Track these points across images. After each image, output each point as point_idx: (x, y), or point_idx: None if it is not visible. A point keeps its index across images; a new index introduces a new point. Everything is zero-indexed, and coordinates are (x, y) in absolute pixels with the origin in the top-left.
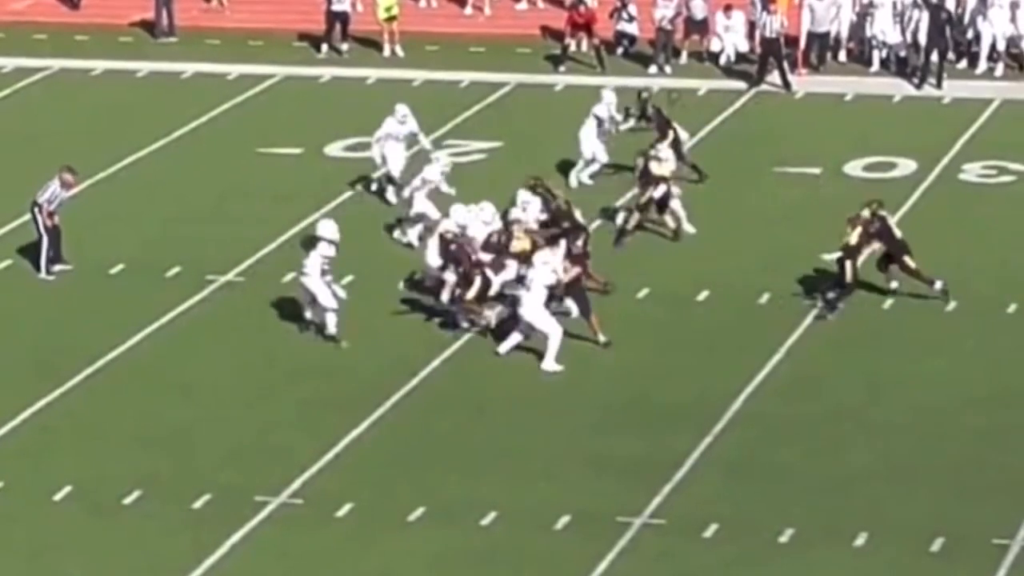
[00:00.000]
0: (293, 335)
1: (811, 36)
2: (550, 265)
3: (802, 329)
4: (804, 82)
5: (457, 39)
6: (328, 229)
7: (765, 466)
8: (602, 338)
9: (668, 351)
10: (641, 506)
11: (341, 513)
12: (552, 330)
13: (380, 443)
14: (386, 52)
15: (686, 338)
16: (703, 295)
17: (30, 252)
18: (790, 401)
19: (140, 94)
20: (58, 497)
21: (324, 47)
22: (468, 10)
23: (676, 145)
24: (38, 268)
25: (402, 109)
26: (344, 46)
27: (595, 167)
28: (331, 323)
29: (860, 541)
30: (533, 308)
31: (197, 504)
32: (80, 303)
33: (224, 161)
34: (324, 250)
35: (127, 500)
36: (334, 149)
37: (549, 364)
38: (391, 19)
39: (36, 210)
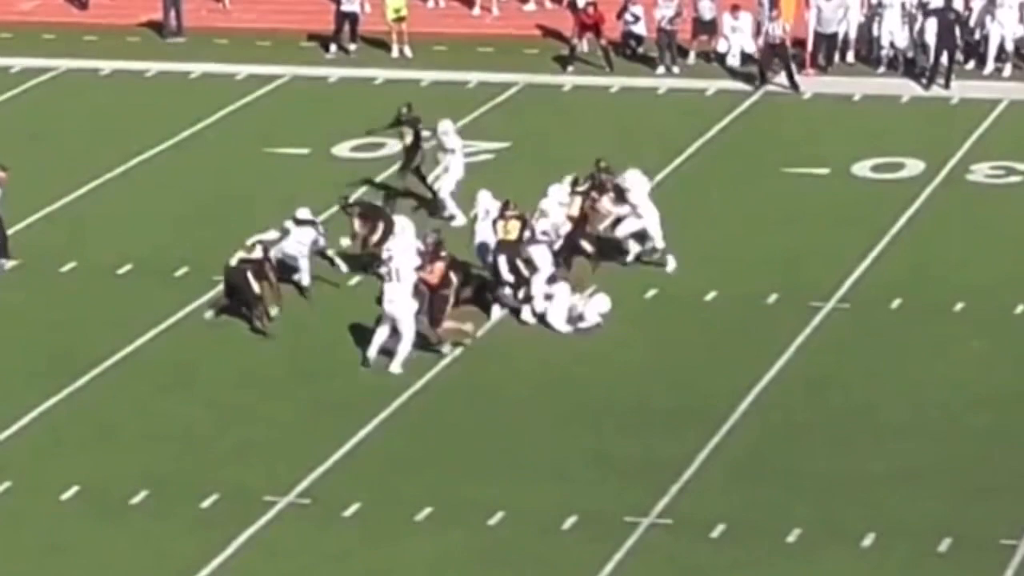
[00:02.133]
0: (300, 335)
1: (819, 36)
2: (412, 249)
3: (810, 330)
4: (812, 83)
5: (465, 39)
6: (305, 212)
7: (772, 466)
8: (446, 348)
9: (675, 351)
10: (648, 506)
11: (348, 513)
12: (411, 332)
13: (387, 443)
14: (394, 53)
15: (693, 338)
16: (711, 295)
17: (35, 252)
18: (797, 402)
19: (148, 94)
20: (65, 497)
21: (333, 47)
22: (476, 11)
23: (411, 163)
24: None
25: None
26: (352, 46)
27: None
28: (305, 277)
29: (867, 542)
30: (402, 300)
31: (205, 504)
32: (88, 303)
33: (232, 161)
34: (319, 231)
35: (134, 500)
36: (342, 150)
37: (397, 367)
38: (400, 20)
39: None
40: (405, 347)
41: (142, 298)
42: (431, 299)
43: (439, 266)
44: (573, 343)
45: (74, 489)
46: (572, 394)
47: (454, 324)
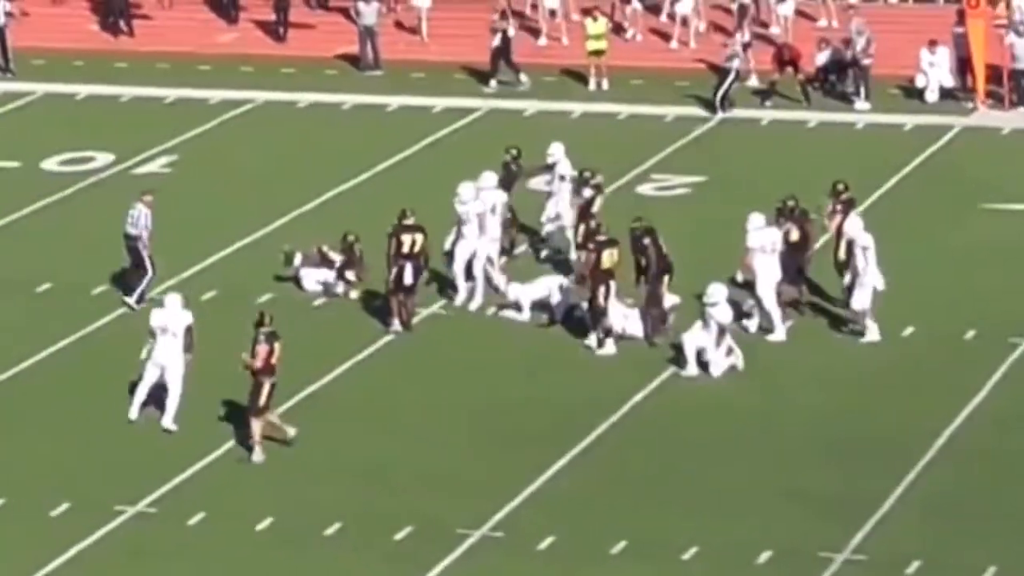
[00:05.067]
0: (494, 368)
1: (1016, 73)
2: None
3: (1007, 365)
4: (1012, 117)
5: (662, 73)
6: None
7: (969, 503)
8: (256, 455)
9: (871, 387)
10: (843, 542)
11: (542, 546)
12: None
13: (581, 477)
14: (591, 86)
15: (890, 374)
16: (908, 331)
17: (230, 284)
18: (995, 437)
19: (345, 127)
20: (260, 528)
21: (493, 82)
22: (674, 44)
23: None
24: (133, 296)
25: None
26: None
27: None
28: None
29: None
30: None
31: (398, 536)
32: (283, 335)
33: (429, 194)
34: None
35: (328, 531)
36: (537, 182)
37: (168, 421)
38: (598, 53)
39: (138, 243)
40: (173, 401)
41: (337, 330)
42: (253, 385)
43: (261, 349)
44: (765, 380)
45: (268, 520)
46: (766, 430)
47: (274, 421)
